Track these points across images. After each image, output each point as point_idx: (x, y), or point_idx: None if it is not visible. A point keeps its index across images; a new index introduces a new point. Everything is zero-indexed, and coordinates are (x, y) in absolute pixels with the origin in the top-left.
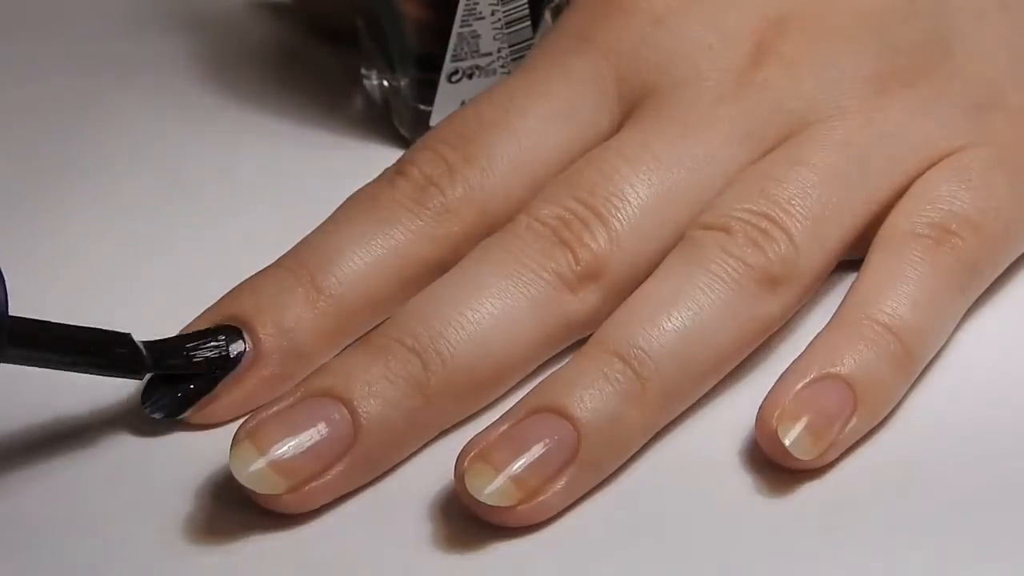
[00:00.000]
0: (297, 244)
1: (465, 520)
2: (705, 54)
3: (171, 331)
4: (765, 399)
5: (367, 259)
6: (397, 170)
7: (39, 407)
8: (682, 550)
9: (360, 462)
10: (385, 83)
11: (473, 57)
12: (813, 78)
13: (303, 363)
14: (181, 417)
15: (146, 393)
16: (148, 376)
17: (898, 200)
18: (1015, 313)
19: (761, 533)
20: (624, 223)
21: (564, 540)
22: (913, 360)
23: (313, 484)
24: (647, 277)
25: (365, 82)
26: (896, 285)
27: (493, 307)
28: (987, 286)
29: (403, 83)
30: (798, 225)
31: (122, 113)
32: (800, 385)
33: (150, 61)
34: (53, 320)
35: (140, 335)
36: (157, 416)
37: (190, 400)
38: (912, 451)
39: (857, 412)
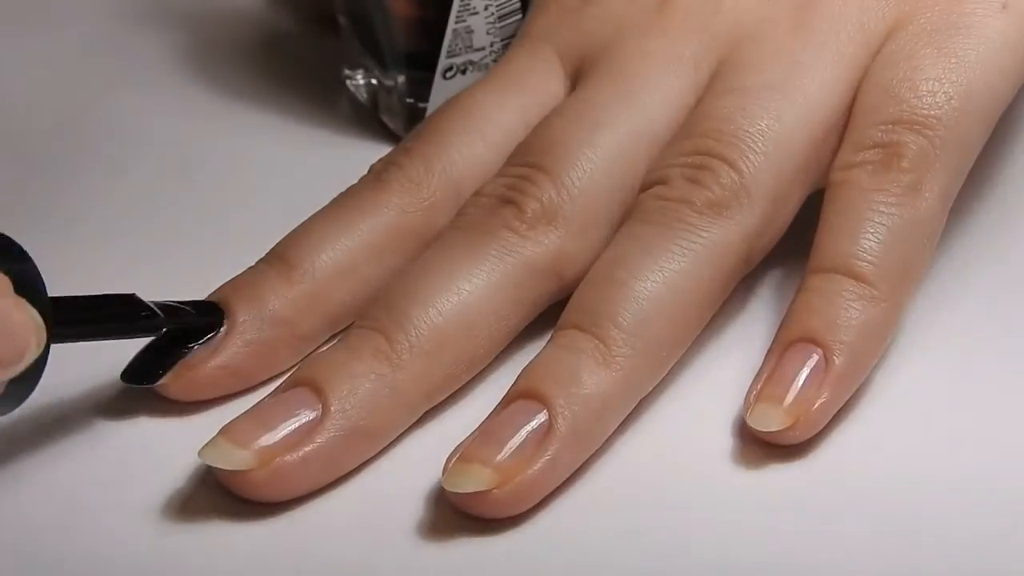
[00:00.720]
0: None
1: (454, 511)
2: (625, 9)
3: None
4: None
5: (336, 232)
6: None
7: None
8: (674, 537)
9: (336, 434)
10: (374, 81)
11: (467, 52)
12: None
13: (282, 330)
14: (159, 384)
15: (125, 369)
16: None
17: (856, 94)
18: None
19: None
20: (573, 172)
21: (552, 527)
22: (880, 288)
23: (285, 458)
24: (608, 217)
25: (348, 83)
26: (849, 227)
27: (450, 272)
28: (966, 162)
29: (399, 80)
30: (734, 149)
31: (113, 110)
32: (770, 366)
33: (142, 57)
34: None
35: None
36: (135, 385)
37: (166, 365)
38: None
39: (831, 355)
